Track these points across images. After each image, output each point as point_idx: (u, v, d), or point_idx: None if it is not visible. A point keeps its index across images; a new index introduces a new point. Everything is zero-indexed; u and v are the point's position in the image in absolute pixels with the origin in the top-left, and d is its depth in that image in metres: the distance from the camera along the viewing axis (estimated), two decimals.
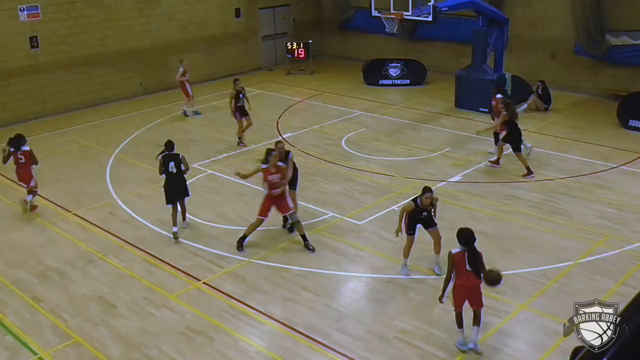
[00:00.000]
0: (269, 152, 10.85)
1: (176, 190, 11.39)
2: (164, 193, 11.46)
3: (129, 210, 12.74)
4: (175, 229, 11.43)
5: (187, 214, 11.83)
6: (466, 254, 7.79)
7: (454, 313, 8.16)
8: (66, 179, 14.42)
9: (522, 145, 13.93)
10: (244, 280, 10.10)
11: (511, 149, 13.89)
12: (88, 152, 16.29)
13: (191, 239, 11.43)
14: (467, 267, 7.77)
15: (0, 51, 18.30)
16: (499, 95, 14.47)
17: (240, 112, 15.83)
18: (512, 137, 13.67)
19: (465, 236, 7.83)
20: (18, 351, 8.58)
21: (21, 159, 12.56)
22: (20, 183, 12.87)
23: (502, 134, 13.89)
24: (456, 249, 7.89)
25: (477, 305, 8.05)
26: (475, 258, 7.77)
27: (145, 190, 13.69)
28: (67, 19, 19.50)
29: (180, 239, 11.37)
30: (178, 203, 11.48)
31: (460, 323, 8.16)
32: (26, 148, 12.61)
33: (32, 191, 12.75)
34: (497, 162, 14.25)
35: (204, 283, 10.02)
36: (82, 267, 10.67)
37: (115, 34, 20.67)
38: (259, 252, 10.87)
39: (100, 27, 20.28)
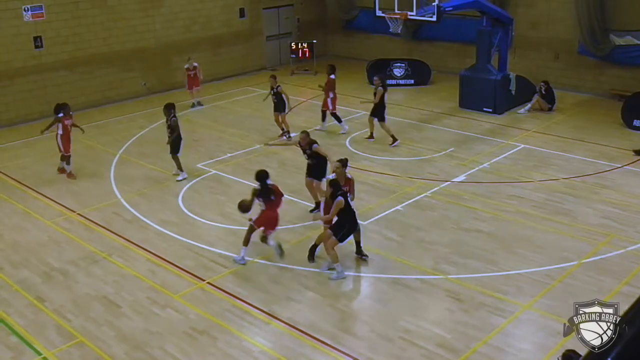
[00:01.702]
0: (341, 162, 10.45)
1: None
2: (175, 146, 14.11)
3: (133, 210, 12.76)
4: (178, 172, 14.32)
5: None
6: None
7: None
8: (70, 179, 14.44)
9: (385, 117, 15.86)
10: (248, 280, 10.10)
11: (376, 120, 15.85)
12: (92, 152, 16.29)
13: (195, 239, 11.46)
14: (271, 197, 10.16)
15: (5, 51, 18.34)
16: (332, 76, 16.95)
17: (274, 106, 16.55)
18: (379, 110, 15.70)
19: (259, 175, 10.21)
20: (22, 351, 8.60)
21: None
22: None
23: (330, 110, 16.95)
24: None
25: (269, 230, 10.29)
26: (266, 191, 10.16)
27: (149, 190, 13.72)
28: (71, 19, 19.53)
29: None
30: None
31: (247, 241, 10.30)
32: (59, 115, 14.31)
33: (63, 157, 14.47)
34: (371, 136, 16.23)
35: (207, 283, 10.03)
36: (86, 267, 10.68)
37: (119, 34, 20.70)
38: (262, 252, 10.87)
39: (104, 27, 20.31)
